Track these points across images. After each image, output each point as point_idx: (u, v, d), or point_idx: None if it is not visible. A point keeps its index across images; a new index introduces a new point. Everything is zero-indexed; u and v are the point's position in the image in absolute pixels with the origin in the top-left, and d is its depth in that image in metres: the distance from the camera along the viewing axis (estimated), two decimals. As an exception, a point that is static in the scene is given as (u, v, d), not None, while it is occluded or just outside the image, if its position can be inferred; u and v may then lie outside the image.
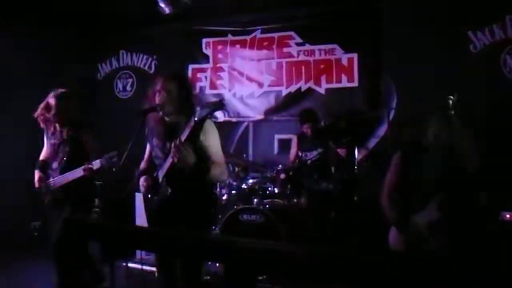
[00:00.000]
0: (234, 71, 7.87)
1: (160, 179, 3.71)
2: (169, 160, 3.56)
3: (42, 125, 4.89)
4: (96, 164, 4.51)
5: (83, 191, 4.78)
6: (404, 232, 3.63)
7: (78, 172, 4.58)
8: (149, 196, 3.83)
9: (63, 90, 4.88)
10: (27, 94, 7.08)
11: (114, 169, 4.49)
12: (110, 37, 8.76)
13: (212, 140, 3.66)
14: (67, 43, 8.19)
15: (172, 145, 3.41)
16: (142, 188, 3.84)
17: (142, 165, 4.04)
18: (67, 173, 4.65)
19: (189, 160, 3.41)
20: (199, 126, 3.52)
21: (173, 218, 3.64)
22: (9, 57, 7.25)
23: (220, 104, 3.43)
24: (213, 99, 7.64)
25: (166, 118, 3.72)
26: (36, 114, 4.83)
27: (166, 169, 3.64)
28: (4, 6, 6.87)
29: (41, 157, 5.02)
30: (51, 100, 4.76)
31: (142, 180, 3.87)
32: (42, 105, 4.81)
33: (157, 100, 3.66)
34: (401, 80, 6.61)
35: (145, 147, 4.02)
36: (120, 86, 8.83)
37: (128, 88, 8.76)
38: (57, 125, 4.83)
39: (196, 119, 3.42)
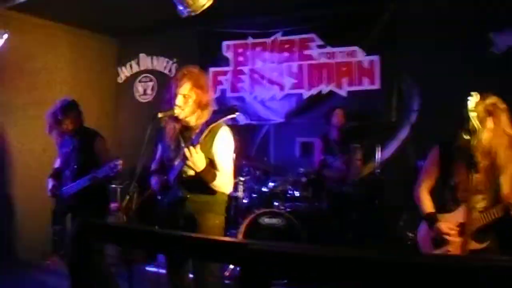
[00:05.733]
0: (255, 74, 8.06)
1: (172, 181, 3.85)
2: (181, 163, 3.68)
3: (54, 138, 5.10)
4: (101, 173, 4.63)
5: (96, 196, 4.94)
6: (431, 227, 3.72)
7: (84, 182, 4.72)
8: (159, 197, 4.00)
9: (68, 99, 5.08)
10: (46, 99, 7.16)
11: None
12: (130, 41, 9.04)
13: (221, 147, 3.76)
14: (86, 47, 8.48)
15: (185, 148, 3.54)
16: (154, 188, 4.00)
17: (153, 165, 4.17)
18: (76, 182, 4.82)
19: (199, 165, 3.53)
20: (212, 132, 3.63)
21: (185, 220, 3.79)
22: (25, 60, 7.45)
23: (232, 110, 3.50)
24: (234, 102, 7.82)
25: (181, 119, 3.83)
26: (47, 129, 5.06)
27: (178, 171, 3.77)
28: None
29: (55, 165, 5.24)
30: (58, 110, 4.95)
31: (153, 180, 4.03)
32: (50, 119, 5.00)
33: (173, 101, 3.77)
34: (424, 82, 6.73)
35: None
36: (140, 89, 9.06)
37: (149, 91, 8.99)
38: (67, 134, 5.01)
39: (208, 124, 3.53)
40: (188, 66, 3.89)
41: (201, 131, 3.54)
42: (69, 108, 4.98)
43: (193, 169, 3.58)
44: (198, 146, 3.50)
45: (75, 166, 4.89)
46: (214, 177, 3.65)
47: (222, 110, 3.59)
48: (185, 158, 3.53)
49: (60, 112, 4.93)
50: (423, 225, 3.89)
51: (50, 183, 5.07)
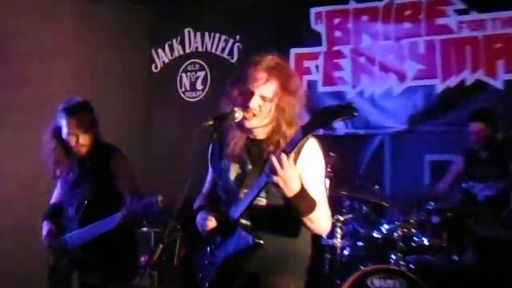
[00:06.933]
0: (361, 57, 8.09)
1: (236, 218, 3.66)
2: (252, 193, 3.52)
3: (59, 171, 5.12)
4: (127, 213, 4.55)
5: (119, 245, 4.94)
6: None
7: (111, 222, 4.65)
8: (212, 247, 3.87)
9: (78, 99, 5.06)
10: (40, 98, 7.30)
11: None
12: (170, 10, 9.16)
13: (311, 166, 3.62)
14: (103, 20, 8.49)
15: (272, 157, 3.21)
16: (203, 231, 3.83)
17: (199, 201, 4.12)
18: (92, 225, 4.76)
19: (293, 185, 3.27)
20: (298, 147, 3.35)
21: (243, 283, 3.73)
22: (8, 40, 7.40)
23: (347, 109, 3.09)
24: (329, 100, 7.80)
25: (248, 129, 3.70)
26: (52, 171, 5.10)
27: (247, 205, 3.57)
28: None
29: (52, 200, 5.31)
30: (62, 118, 4.91)
31: (200, 218, 3.88)
32: (49, 135, 5.02)
33: (241, 103, 3.60)
34: None
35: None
36: (186, 82, 9.25)
37: (199, 85, 9.14)
38: (73, 153, 5.00)
39: (305, 131, 3.19)
40: (273, 55, 3.71)
41: (297, 138, 3.22)
42: (75, 112, 4.92)
43: (280, 191, 3.29)
44: (292, 156, 3.24)
45: (85, 201, 4.87)
46: (312, 206, 3.42)
47: (328, 109, 3.18)
48: (271, 172, 3.24)
49: (63, 121, 4.91)
50: None
51: (46, 227, 5.11)
